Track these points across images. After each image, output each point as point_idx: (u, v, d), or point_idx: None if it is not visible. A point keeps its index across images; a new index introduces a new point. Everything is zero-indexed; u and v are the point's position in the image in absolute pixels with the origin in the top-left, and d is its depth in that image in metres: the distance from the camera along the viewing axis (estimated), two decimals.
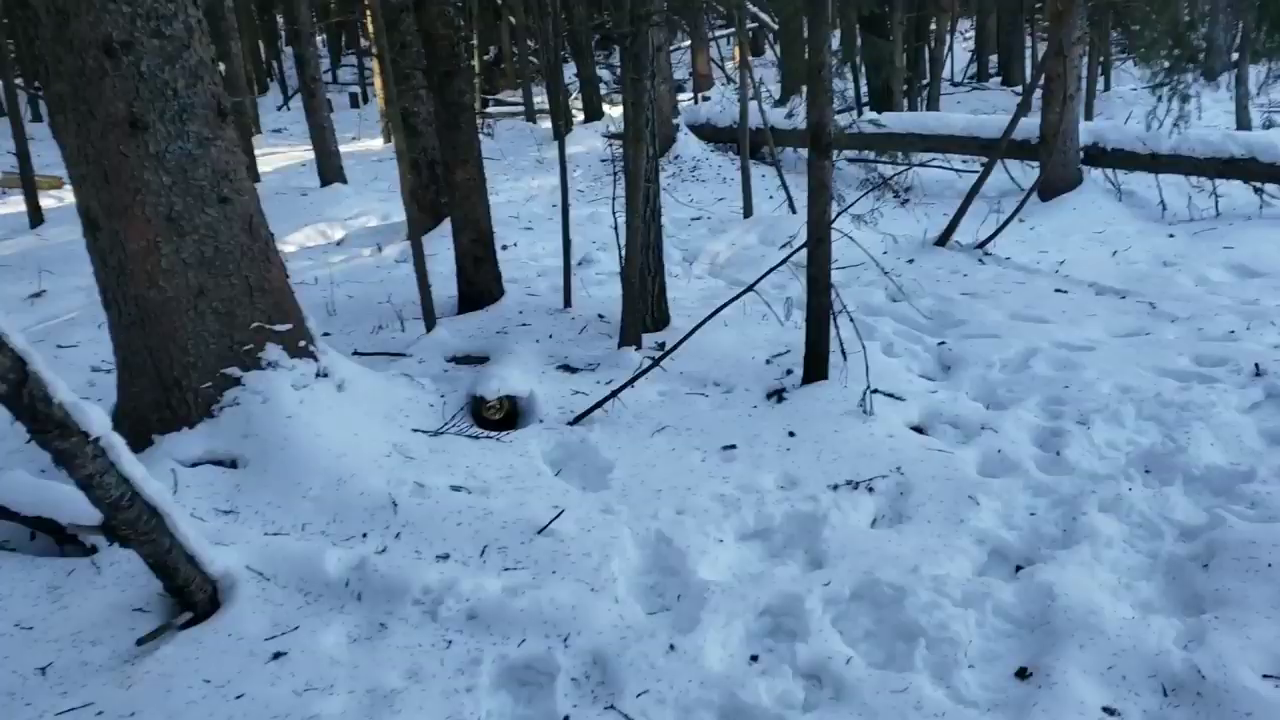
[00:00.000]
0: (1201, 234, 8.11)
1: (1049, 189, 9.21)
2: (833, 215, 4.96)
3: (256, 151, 12.78)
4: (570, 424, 4.67)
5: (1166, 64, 10.27)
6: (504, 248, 8.52)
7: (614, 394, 4.69)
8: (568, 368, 5.27)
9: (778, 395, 4.94)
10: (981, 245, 7.92)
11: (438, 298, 6.77)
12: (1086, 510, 3.86)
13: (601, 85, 20.47)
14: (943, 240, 8.12)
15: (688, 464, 4.33)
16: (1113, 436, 4.57)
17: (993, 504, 3.98)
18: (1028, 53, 16.52)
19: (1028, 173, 10.27)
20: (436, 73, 6.10)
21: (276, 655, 3.13)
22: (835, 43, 15.77)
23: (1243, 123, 11.53)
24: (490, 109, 16.62)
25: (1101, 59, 15.85)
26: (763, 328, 6.03)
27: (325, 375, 4.29)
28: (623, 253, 5.45)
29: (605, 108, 18.16)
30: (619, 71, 13.06)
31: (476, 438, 4.41)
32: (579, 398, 4.91)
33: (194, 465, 3.98)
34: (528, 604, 3.31)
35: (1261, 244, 7.60)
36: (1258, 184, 8.65)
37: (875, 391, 4.83)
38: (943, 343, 5.96)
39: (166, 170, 3.83)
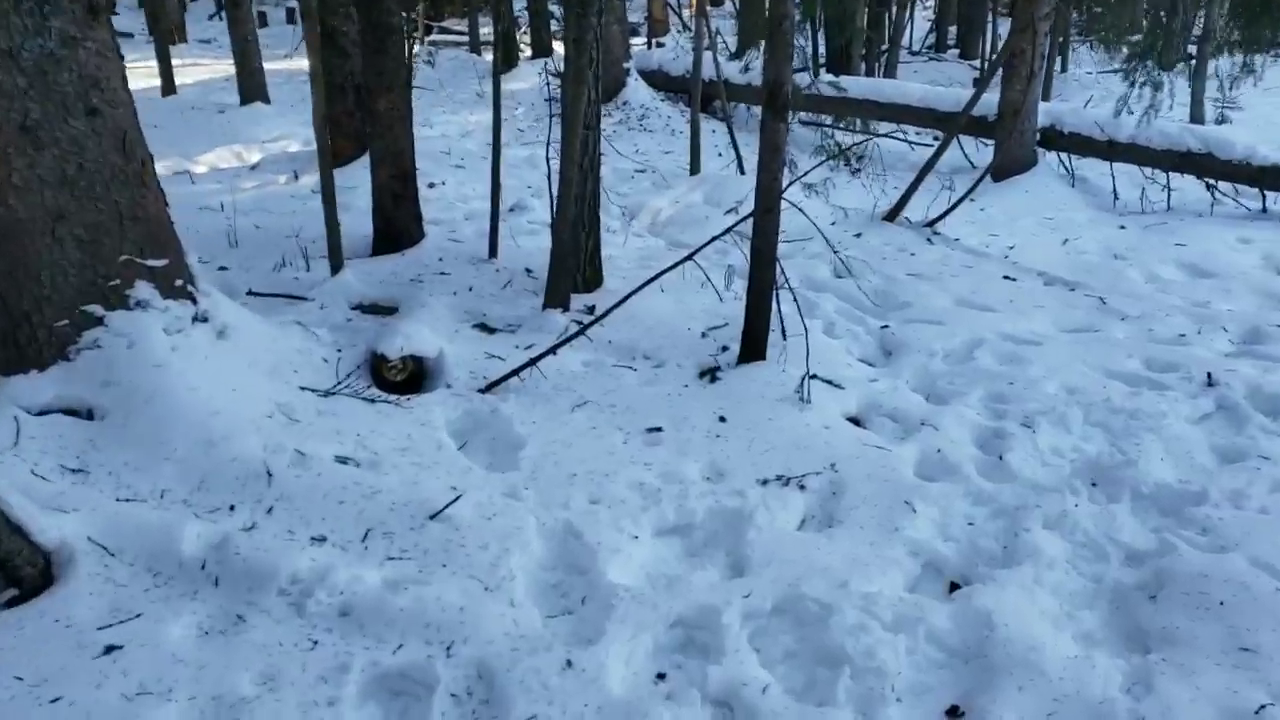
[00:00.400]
0: (1153, 228, 7.91)
1: (1002, 169, 8.94)
2: (784, 183, 4.58)
3: (178, 62, 11.94)
4: (481, 391, 4.25)
5: (1125, 49, 10.05)
6: (431, 186, 8.00)
7: (532, 361, 4.28)
8: (485, 327, 4.83)
9: (711, 374, 4.58)
10: (931, 224, 7.62)
11: (352, 236, 6.26)
12: (1029, 526, 3.58)
13: (553, 20, 19.70)
14: (892, 216, 7.80)
15: (607, 445, 3.95)
16: (1058, 442, 4.31)
17: (930, 511, 3.68)
18: (989, 27, 16.22)
19: (980, 150, 10.01)
20: None
21: (109, 649, 2.70)
22: None
23: (1197, 116, 11.38)
24: (434, 36, 15.83)
25: (1061, 39, 15.64)
26: (701, 296, 5.65)
27: (204, 319, 3.80)
28: (555, 204, 5.01)
29: (555, 44, 17.47)
30: None
31: (373, 401, 3.97)
32: (494, 362, 4.49)
33: (42, 413, 3.49)
34: (410, 602, 2.92)
35: (1212, 243, 7.42)
36: (1211, 181, 8.48)
37: (814, 377, 4.49)
38: (886, 326, 5.65)
39: (21, 70, 3.28)
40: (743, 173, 8.83)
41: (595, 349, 4.71)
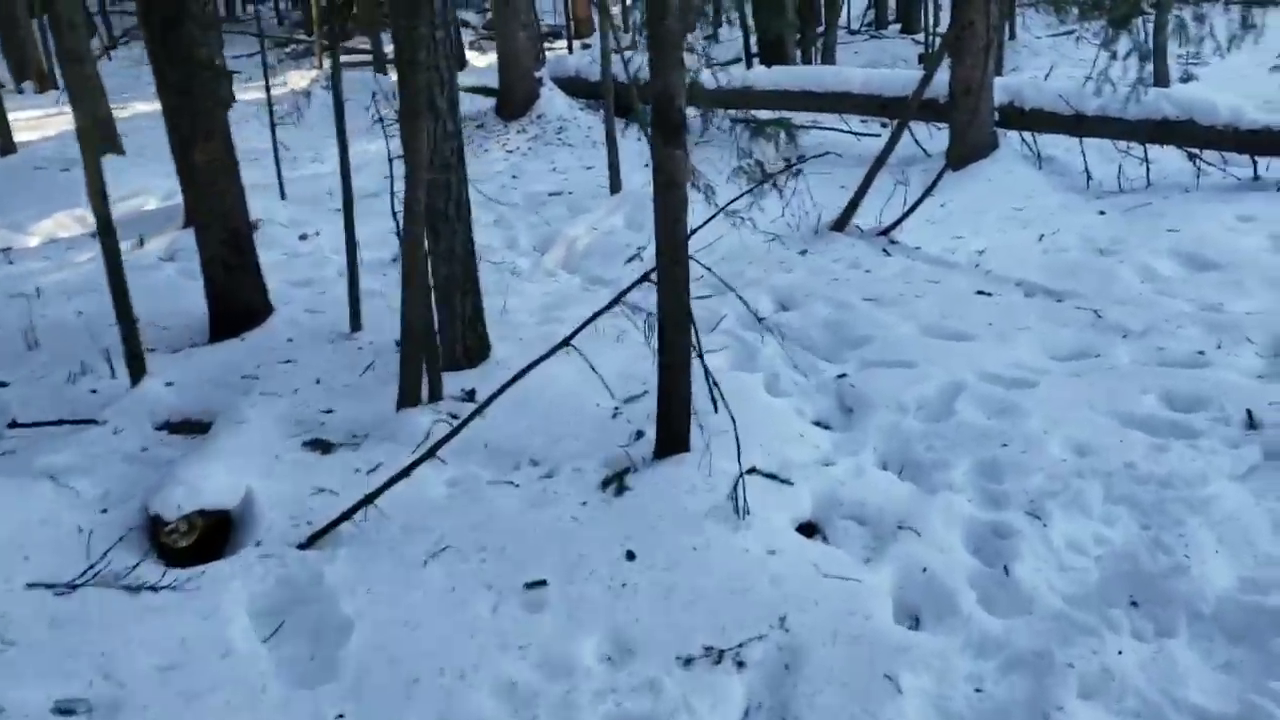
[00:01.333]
0: (1136, 211, 6.92)
1: (960, 156, 7.91)
2: (704, 219, 3.53)
3: (37, 114, 10.74)
4: (302, 547, 3.14)
5: (1077, 9, 9.12)
6: (303, 238, 6.89)
7: (368, 499, 3.18)
8: (321, 443, 3.71)
9: (618, 481, 3.49)
10: (886, 231, 6.58)
11: (192, 315, 5.15)
12: (1061, 699, 2.54)
13: (468, 30, 18.62)
14: (841, 224, 6.76)
15: (470, 619, 2.86)
16: (1076, 533, 3.30)
17: (921, 682, 2.63)
18: None
19: (934, 135, 8.99)
20: (154, 18, 4.41)
21: None
22: None
23: (1160, 75, 10.43)
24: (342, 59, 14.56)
25: (1007, 2, 14.70)
26: (616, 352, 4.58)
27: None
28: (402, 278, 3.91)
29: (470, 55, 16.39)
30: (488, 14, 11.36)
31: (136, 589, 2.85)
32: (326, 499, 3.38)
33: None
34: None
35: (1208, 224, 6.42)
36: (1194, 150, 7.51)
37: (752, 472, 3.44)
38: (843, 375, 4.60)
39: None
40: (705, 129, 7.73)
41: (467, 456, 3.62)
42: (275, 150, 7.30)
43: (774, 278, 6.05)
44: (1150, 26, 8.47)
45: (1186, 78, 11.53)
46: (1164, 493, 3.44)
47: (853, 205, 6.76)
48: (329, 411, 4.00)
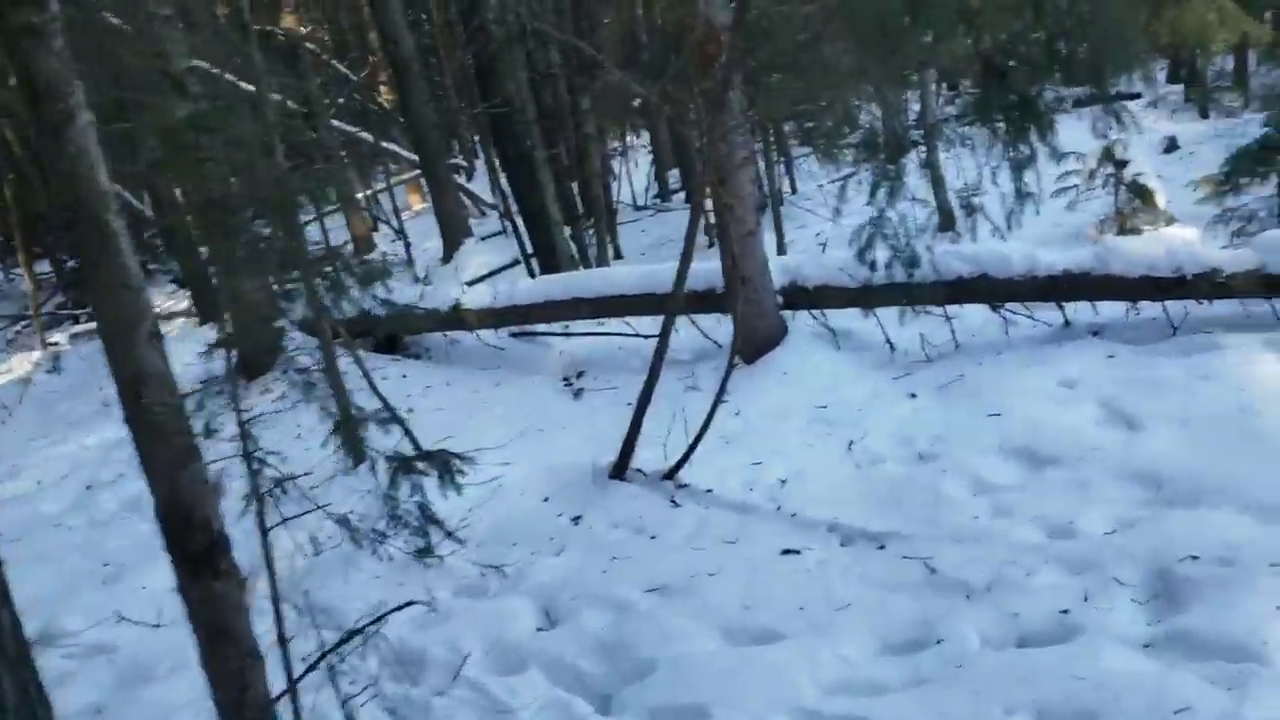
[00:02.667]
0: (951, 388, 6.02)
1: (750, 348, 6.98)
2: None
3: None
4: None
5: (850, 155, 8.67)
6: None
7: None
8: None
9: None
10: (672, 473, 5.44)
11: None
12: None
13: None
14: (620, 469, 5.59)
15: None
16: None
17: None
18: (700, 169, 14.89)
19: (722, 321, 8.07)
20: None
21: None
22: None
23: (946, 220, 10.00)
24: (76, 329, 12.89)
25: (780, 160, 14.50)
26: None
27: None
28: None
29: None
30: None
31: None
32: None
33: None
34: None
35: (1031, 400, 5.51)
36: (997, 304, 6.79)
37: None
38: None
39: None
40: (357, 464, 6.42)
41: None
42: None
43: (538, 566, 4.79)
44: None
45: (971, 210, 11.20)
46: None
47: (628, 445, 5.60)
48: None
